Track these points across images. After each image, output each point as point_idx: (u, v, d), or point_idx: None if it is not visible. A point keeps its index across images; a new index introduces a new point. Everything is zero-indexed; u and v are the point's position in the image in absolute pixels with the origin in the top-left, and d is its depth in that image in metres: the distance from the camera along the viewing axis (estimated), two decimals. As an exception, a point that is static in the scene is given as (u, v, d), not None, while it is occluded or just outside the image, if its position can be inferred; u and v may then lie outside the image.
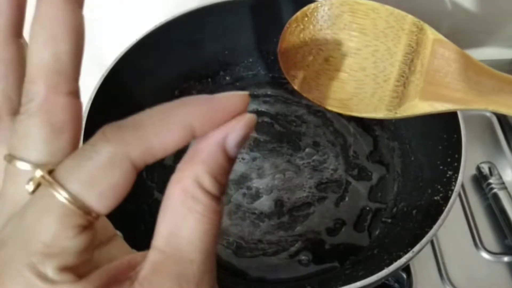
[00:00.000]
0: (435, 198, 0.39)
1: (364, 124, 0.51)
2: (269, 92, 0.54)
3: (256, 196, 0.46)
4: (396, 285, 0.43)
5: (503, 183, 0.49)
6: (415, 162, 0.46)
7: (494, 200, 0.48)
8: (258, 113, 0.52)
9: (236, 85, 0.54)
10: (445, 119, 0.41)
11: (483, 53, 0.61)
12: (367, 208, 0.45)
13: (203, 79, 0.53)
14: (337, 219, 0.44)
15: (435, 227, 0.34)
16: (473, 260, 0.46)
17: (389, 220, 0.44)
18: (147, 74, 0.47)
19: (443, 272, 0.45)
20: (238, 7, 0.49)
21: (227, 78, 0.54)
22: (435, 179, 0.40)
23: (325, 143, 0.50)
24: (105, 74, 0.42)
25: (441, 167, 0.40)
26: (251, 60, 0.54)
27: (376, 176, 0.47)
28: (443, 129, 0.41)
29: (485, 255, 0.46)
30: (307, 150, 0.49)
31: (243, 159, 0.48)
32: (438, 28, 0.63)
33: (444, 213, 0.35)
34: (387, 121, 0.50)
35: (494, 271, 0.45)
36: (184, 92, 0.51)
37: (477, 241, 0.47)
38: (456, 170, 0.38)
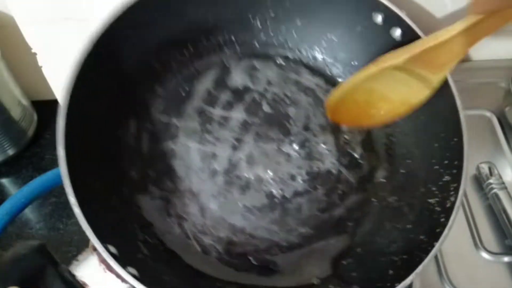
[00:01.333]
0: (430, 201, 0.38)
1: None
2: (256, 65, 0.49)
3: (247, 187, 0.44)
4: (396, 285, 0.43)
5: (503, 183, 0.49)
6: (408, 155, 0.45)
7: (494, 200, 0.48)
8: (245, 89, 0.48)
9: (218, 55, 0.49)
10: (445, 116, 0.40)
11: (483, 53, 0.61)
12: (358, 200, 0.45)
13: (184, 48, 0.48)
14: (329, 211, 0.44)
15: (436, 245, 0.34)
16: (473, 260, 0.46)
17: (380, 214, 0.43)
18: (129, 46, 0.43)
19: (443, 272, 0.45)
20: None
21: (210, 47, 0.49)
22: (429, 179, 0.39)
23: (316, 127, 0.47)
24: (90, 47, 0.38)
25: (436, 167, 0.39)
26: (238, 27, 0.49)
27: (367, 166, 0.46)
28: (441, 126, 0.40)
29: (485, 255, 0.46)
30: (298, 136, 0.47)
31: (231, 144, 0.46)
32: (438, 28, 0.63)
33: (446, 230, 0.35)
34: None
35: (494, 271, 0.45)
36: (164, 63, 0.47)
37: (477, 241, 0.47)
38: (456, 179, 0.37)
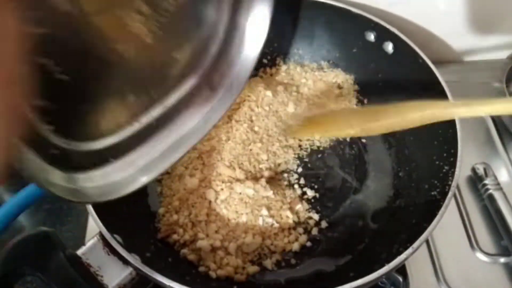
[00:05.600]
0: (432, 193, 0.39)
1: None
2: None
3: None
4: (392, 288, 0.43)
5: (498, 184, 0.49)
6: (411, 157, 0.46)
7: (489, 201, 0.48)
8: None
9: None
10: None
11: (478, 54, 0.62)
12: (364, 206, 0.45)
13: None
14: (335, 216, 0.44)
15: (434, 222, 0.34)
16: (469, 261, 0.46)
17: (386, 217, 0.44)
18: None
19: (439, 273, 0.45)
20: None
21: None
22: (432, 175, 0.40)
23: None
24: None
25: (437, 162, 0.40)
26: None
27: (372, 172, 0.47)
28: (438, 124, 0.41)
29: (481, 256, 0.46)
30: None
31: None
32: (435, 29, 0.63)
33: (443, 208, 0.35)
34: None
35: (490, 272, 0.45)
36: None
37: (473, 242, 0.47)
38: (453, 165, 0.38)
